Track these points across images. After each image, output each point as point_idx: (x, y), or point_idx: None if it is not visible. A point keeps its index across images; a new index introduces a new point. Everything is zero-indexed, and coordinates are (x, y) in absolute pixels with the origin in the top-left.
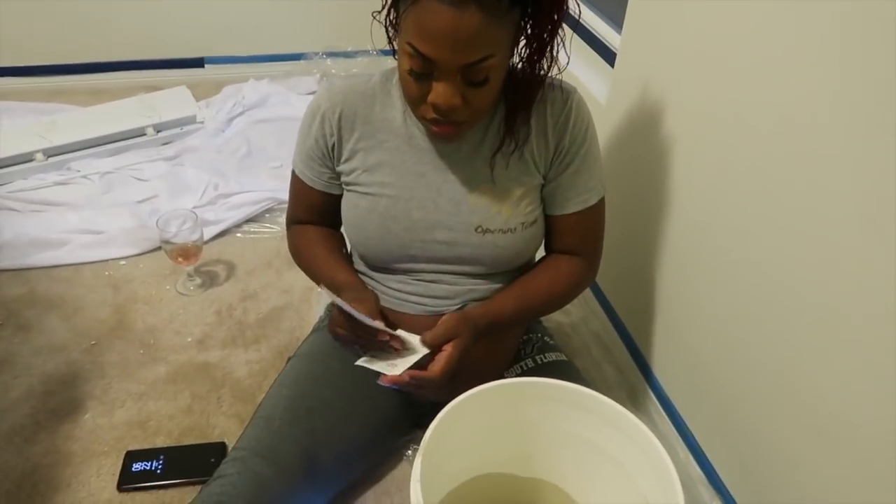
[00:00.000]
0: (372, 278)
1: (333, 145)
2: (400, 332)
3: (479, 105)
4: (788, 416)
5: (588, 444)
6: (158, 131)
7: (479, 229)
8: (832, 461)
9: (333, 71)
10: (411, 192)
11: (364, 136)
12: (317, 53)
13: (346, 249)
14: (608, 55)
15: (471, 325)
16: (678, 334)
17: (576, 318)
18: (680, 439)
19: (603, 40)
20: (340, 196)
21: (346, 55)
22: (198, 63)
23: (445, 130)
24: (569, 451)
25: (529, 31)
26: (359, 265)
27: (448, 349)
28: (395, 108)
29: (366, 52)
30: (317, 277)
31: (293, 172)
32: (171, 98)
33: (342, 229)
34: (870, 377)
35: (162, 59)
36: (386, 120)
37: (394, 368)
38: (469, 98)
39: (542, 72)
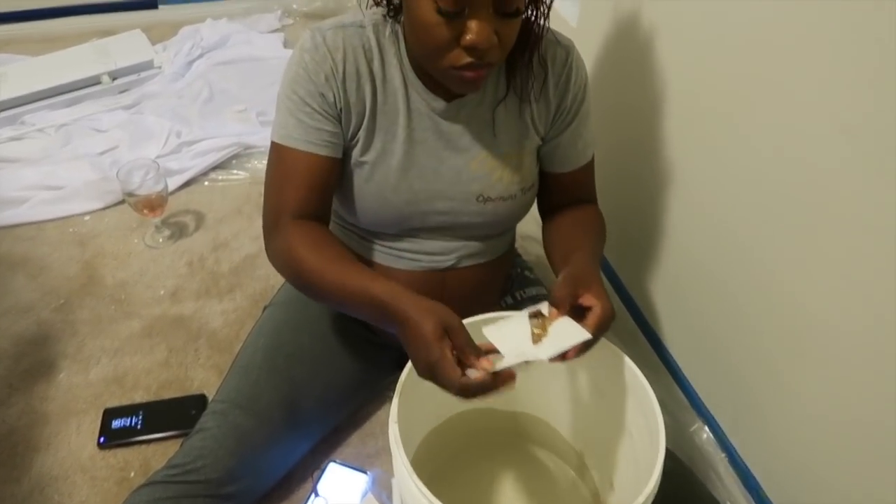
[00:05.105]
0: (360, 235)
1: (341, 109)
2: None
3: (508, 41)
4: (766, 329)
5: (569, 375)
6: (114, 79)
7: (481, 198)
8: (811, 372)
9: (295, 6)
10: (412, 160)
11: (364, 97)
12: None
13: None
14: None
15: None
16: (658, 260)
17: None
18: (662, 365)
19: None
20: (340, 163)
21: None
22: (151, 4)
23: (479, 74)
24: (550, 384)
25: None
26: (342, 224)
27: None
28: (393, 66)
29: None
30: (346, 299)
31: (277, 150)
32: (125, 43)
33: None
34: (850, 289)
35: (113, 2)
36: (386, 80)
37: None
38: (501, 34)
39: (545, 10)
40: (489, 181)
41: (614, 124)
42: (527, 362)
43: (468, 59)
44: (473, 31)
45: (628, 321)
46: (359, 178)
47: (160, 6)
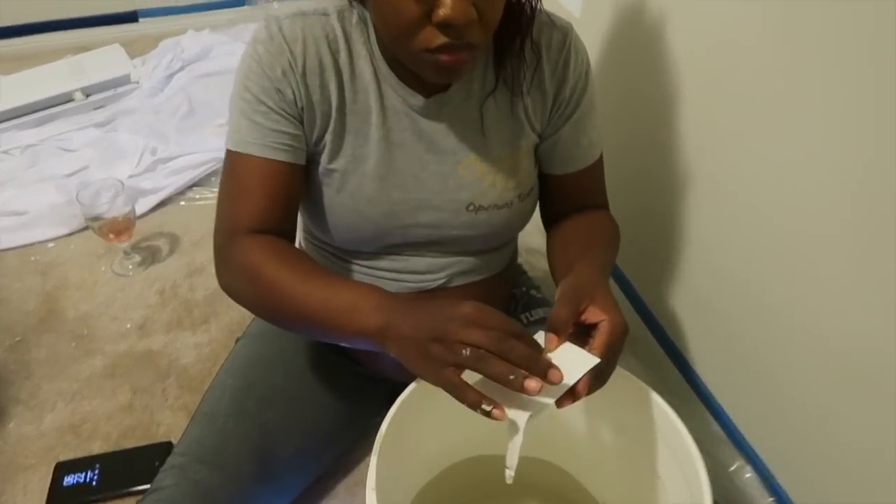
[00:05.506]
0: (334, 254)
1: (303, 108)
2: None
3: (491, 17)
4: (813, 348)
5: (586, 413)
6: (88, 95)
7: (471, 207)
8: (872, 397)
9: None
10: (389, 166)
11: (329, 94)
12: None
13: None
14: None
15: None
16: (682, 270)
17: None
18: (692, 392)
19: None
20: (304, 170)
21: None
22: (131, 17)
23: (458, 58)
24: (563, 423)
25: None
26: (313, 242)
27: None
28: (362, 58)
29: None
30: (331, 314)
31: (230, 159)
32: (102, 58)
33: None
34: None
35: (92, 17)
36: (354, 75)
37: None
38: (480, 8)
39: None
40: (480, 188)
41: (625, 119)
42: (531, 415)
43: (443, 39)
44: (446, 3)
45: (650, 341)
46: (328, 188)
47: (140, 19)
